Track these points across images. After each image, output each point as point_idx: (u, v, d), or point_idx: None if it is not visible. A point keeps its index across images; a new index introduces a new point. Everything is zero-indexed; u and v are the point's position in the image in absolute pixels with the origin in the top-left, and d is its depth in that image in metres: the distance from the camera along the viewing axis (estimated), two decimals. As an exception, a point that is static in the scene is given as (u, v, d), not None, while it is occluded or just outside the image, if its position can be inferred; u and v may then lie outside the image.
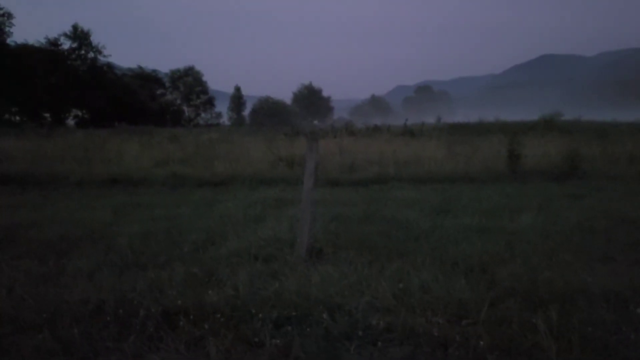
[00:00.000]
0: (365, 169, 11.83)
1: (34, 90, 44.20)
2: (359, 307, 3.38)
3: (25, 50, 46.13)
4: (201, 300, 3.46)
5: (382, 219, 6.31)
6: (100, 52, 54.85)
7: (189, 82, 70.56)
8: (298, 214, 4.97)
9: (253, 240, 4.98)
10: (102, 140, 16.67)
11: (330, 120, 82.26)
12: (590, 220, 6.09)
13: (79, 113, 53.35)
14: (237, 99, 79.81)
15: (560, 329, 3.02)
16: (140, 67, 65.25)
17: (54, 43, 51.85)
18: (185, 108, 70.99)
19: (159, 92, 67.22)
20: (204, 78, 72.77)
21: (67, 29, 53.19)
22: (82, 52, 54.17)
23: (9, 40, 46.16)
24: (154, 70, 68.11)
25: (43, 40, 51.26)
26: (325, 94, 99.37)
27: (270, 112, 69.14)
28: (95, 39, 54.76)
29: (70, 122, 51.53)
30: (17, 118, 45.76)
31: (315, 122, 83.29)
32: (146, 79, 64.00)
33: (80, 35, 53.62)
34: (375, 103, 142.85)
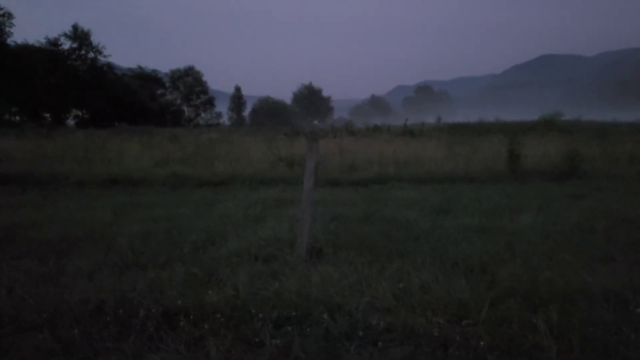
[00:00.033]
0: (365, 169, 11.83)
1: (34, 90, 44.17)
2: (359, 307, 3.38)
3: (25, 50, 46.10)
4: (201, 300, 3.46)
5: (382, 219, 6.31)
6: (100, 52, 54.85)
7: (189, 82, 70.57)
8: (298, 214, 4.96)
9: (253, 240, 4.98)
10: (102, 141, 16.67)
11: (330, 120, 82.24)
12: (590, 220, 6.08)
13: (79, 113, 53.34)
14: (237, 99, 79.78)
15: (560, 329, 3.02)
16: (140, 67, 65.27)
17: (54, 43, 51.83)
18: (185, 108, 70.99)
19: (159, 92, 67.22)
20: (204, 78, 72.87)
21: (67, 29, 53.32)
22: (82, 52, 54.13)
23: (9, 40, 46.18)
24: (154, 70, 68.09)
25: (43, 40, 51.37)
26: (325, 94, 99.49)
27: (270, 112, 69.13)
28: (95, 39, 54.85)
29: (70, 122, 51.51)
30: (17, 118, 45.77)
31: (315, 122, 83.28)
32: (146, 79, 64.00)
33: (80, 35, 53.59)
34: (375, 103, 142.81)
